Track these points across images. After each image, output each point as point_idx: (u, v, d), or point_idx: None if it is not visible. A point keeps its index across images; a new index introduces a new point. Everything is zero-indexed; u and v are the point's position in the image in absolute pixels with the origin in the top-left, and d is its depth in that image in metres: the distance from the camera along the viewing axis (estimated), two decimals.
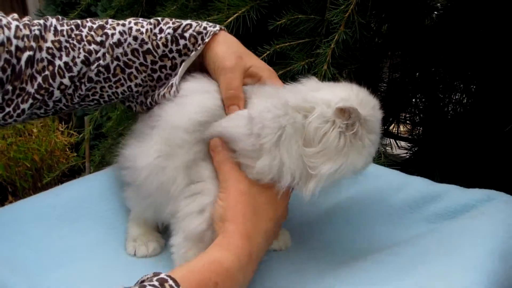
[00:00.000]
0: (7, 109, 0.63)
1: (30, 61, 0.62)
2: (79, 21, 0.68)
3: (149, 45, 0.65)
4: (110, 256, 0.69)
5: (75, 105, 0.69)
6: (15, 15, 0.66)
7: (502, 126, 0.95)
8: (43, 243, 0.65)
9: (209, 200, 0.57)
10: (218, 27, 0.65)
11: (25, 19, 0.66)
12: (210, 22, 0.66)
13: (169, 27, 0.65)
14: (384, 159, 0.83)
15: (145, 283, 0.43)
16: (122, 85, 0.67)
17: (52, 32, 0.65)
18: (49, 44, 0.64)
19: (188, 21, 0.66)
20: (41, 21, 0.66)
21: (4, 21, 0.62)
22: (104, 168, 0.84)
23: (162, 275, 0.44)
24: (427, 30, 1.15)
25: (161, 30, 0.65)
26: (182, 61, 0.66)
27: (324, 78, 0.78)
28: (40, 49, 0.63)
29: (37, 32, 0.64)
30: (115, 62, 0.66)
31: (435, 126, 1.09)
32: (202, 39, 0.64)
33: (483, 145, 0.97)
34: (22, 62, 0.61)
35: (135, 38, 0.65)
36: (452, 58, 1.08)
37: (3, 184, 2.25)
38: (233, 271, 0.48)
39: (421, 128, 1.14)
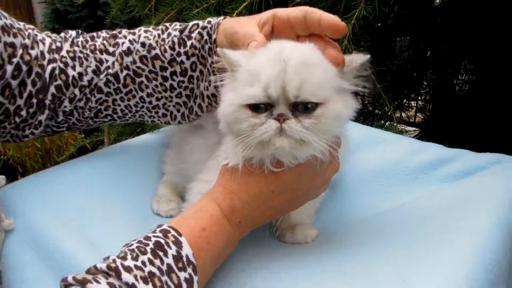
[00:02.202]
0: (30, 121, 0.65)
1: (53, 73, 0.64)
2: (95, 33, 0.69)
3: (157, 50, 0.65)
4: (145, 217, 0.74)
5: (88, 120, 0.70)
6: (48, 33, 0.69)
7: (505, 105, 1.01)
8: (86, 201, 0.69)
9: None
10: (221, 17, 0.63)
11: (53, 35, 0.68)
12: None
13: (175, 29, 0.65)
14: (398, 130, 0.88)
15: (150, 234, 0.48)
16: (134, 96, 0.68)
17: (69, 42, 0.67)
18: (63, 53, 0.66)
19: (195, 21, 0.65)
20: (62, 34, 0.68)
21: (40, 37, 0.66)
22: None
23: (165, 226, 0.49)
24: (436, 11, 1.20)
25: (169, 34, 0.65)
26: (192, 63, 0.65)
27: (344, 52, 0.82)
28: (56, 60, 0.65)
29: (58, 44, 0.66)
30: (125, 71, 0.66)
31: (444, 102, 1.14)
32: (208, 33, 0.63)
33: (489, 118, 1.03)
34: (47, 75, 0.64)
35: (143, 45, 0.66)
36: (460, 39, 1.12)
37: (13, 165, 2.28)
38: (217, 217, 0.53)
39: (430, 105, 1.20)
